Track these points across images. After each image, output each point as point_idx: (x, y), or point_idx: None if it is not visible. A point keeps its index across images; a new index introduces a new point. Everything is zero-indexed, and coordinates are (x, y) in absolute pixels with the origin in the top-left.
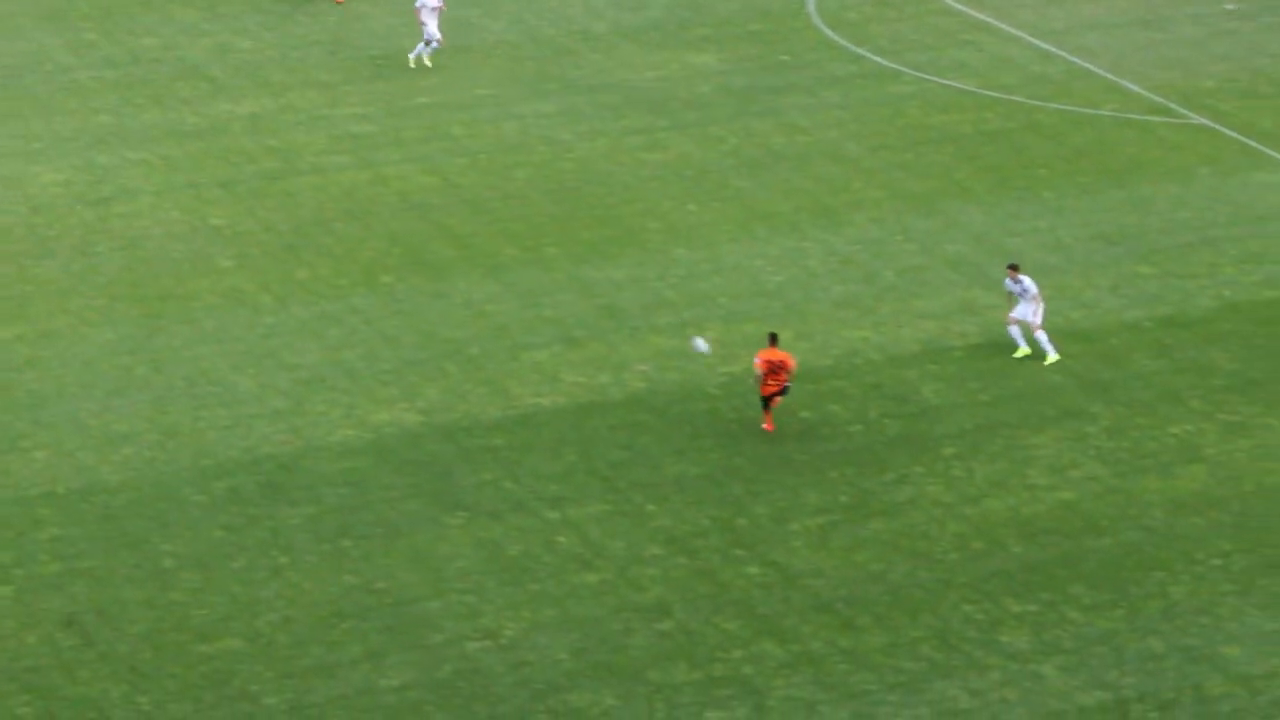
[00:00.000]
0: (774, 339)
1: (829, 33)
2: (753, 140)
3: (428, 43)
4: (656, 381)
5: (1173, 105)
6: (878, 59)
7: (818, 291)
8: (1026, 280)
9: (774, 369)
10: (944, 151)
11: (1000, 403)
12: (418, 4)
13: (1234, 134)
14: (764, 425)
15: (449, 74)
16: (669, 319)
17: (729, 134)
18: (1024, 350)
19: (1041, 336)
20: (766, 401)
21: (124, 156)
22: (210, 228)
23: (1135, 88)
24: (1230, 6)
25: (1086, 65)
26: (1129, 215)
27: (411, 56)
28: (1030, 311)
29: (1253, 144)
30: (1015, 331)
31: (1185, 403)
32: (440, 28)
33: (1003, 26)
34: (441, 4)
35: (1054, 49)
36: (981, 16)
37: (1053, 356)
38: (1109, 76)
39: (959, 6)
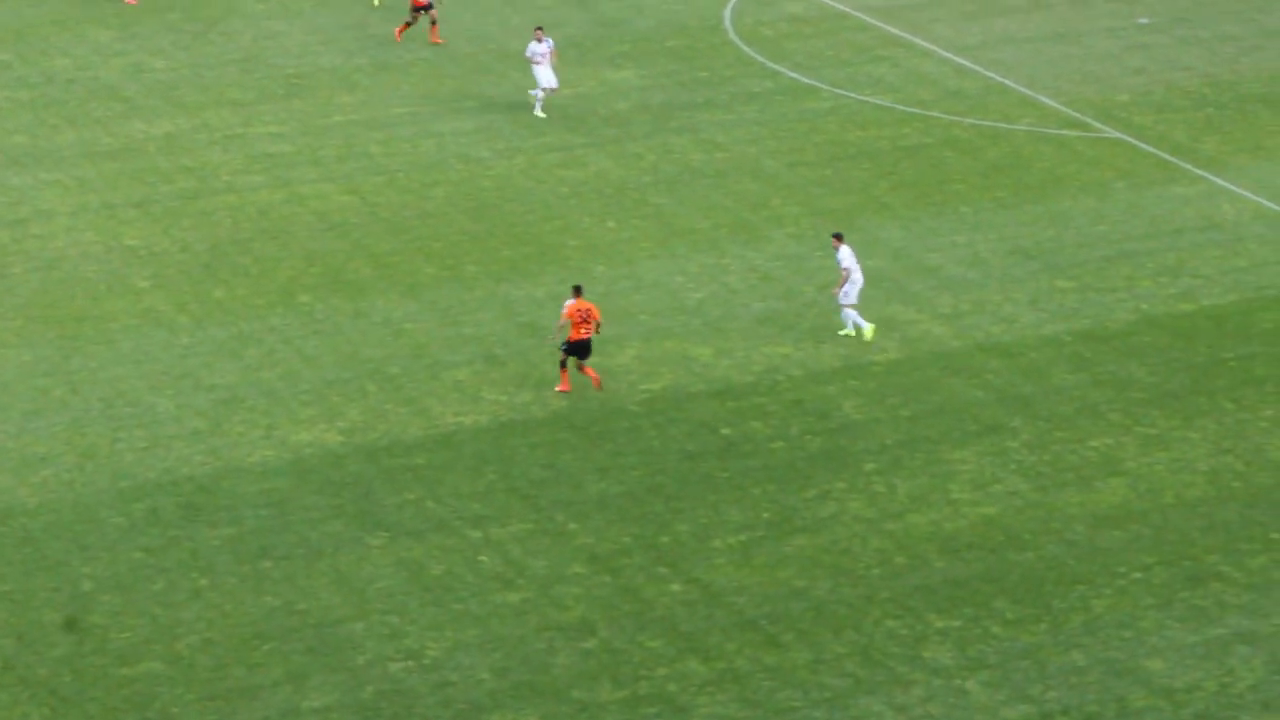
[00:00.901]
0: (578, 290)
1: (746, 49)
2: (671, 157)
3: (546, 90)
4: (576, 399)
5: (1088, 119)
6: (795, 75)
7: (738, 308)
8: (842, 250)
9: (584, 318)
10: (862, 167)
11: (921, 418)
12: (528, 54)
13: (1149, 148)
14: (559, 387)
15: (365, 92)
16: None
17: (647, 151)
18: (849, 331)
19: (847, 314)
20: (576, 352)
21: (38, 177)
22: (126, 248)
23: (1051, 102)
24: (1143, 20)
25: (1002, 80)
26: (1046, 229)
27: (537, 109)
28: (857, 290)
29: (1168, 157)
30: (852, 315)
31: (1105, 416)
32: (555, 70)
33: (919, 42)
34: (551, 50)
35: (970, 64)
36: (897, 32)
37: (849, 330)
38: (1025, 91)
39: (875, 22)
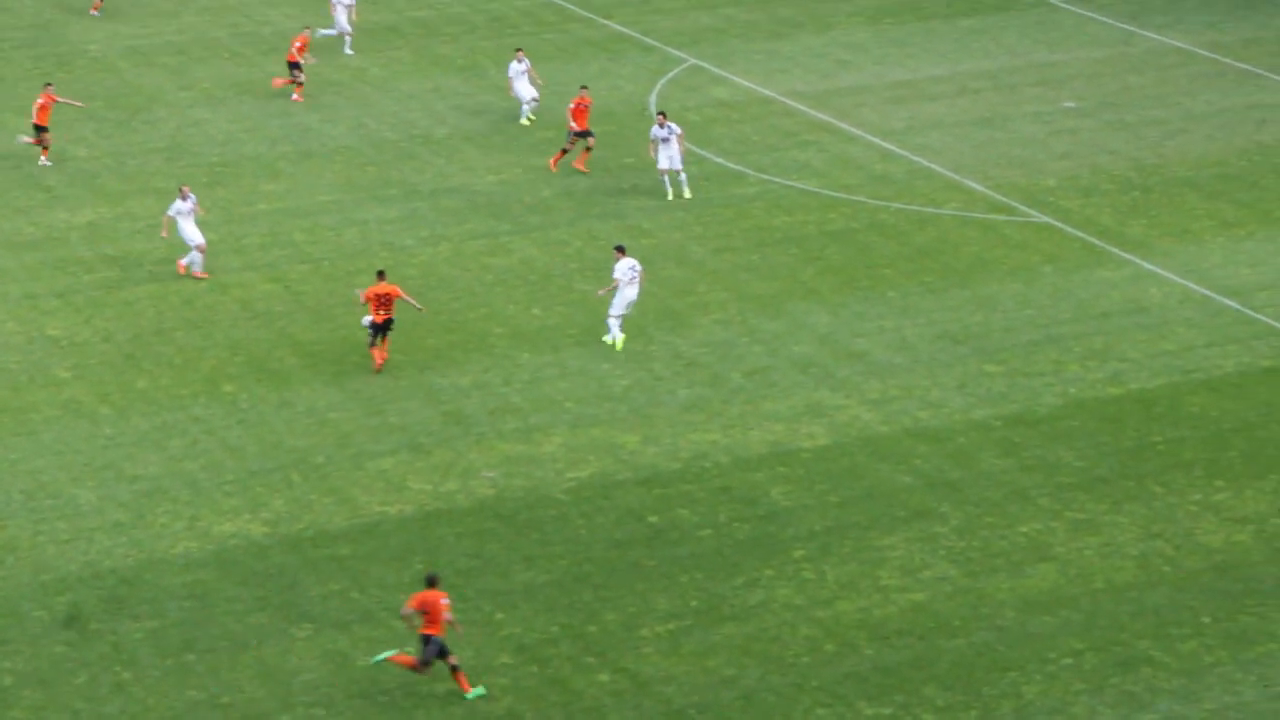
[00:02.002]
0: (381, 275)
1: None
2: (596, 243)
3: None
4: (503, 488)
5: (1015, 203)
6: (721, 160)
7: (664, 395)
8: (620, 263)
9: (382, 302)
10: (789, 252)
11: (850, 504)
12: (510, 74)
13: (1076, 231)
14: (375, 367)
15: (289, 180)
16: (515, 425)
17: (572, 237)
18: (610, 340)
19: (610, 322)
20: (378, 332)
21: None
22: (47, 338)
23: (977, 186)
24: (1069, 104)
25: (929, 165)
26: (974, 314)
27: (523, 120)
28: (624, 302)
29: (1095, 241)
30: (614, 324)
31: (1034, 501)
32: (532, 82)
33: (845, 127)
34: (528, 69)
35: (896, 149)
36: (824, 117)
37: (610, 338)
38: (951, 176)
39: (801, 107)
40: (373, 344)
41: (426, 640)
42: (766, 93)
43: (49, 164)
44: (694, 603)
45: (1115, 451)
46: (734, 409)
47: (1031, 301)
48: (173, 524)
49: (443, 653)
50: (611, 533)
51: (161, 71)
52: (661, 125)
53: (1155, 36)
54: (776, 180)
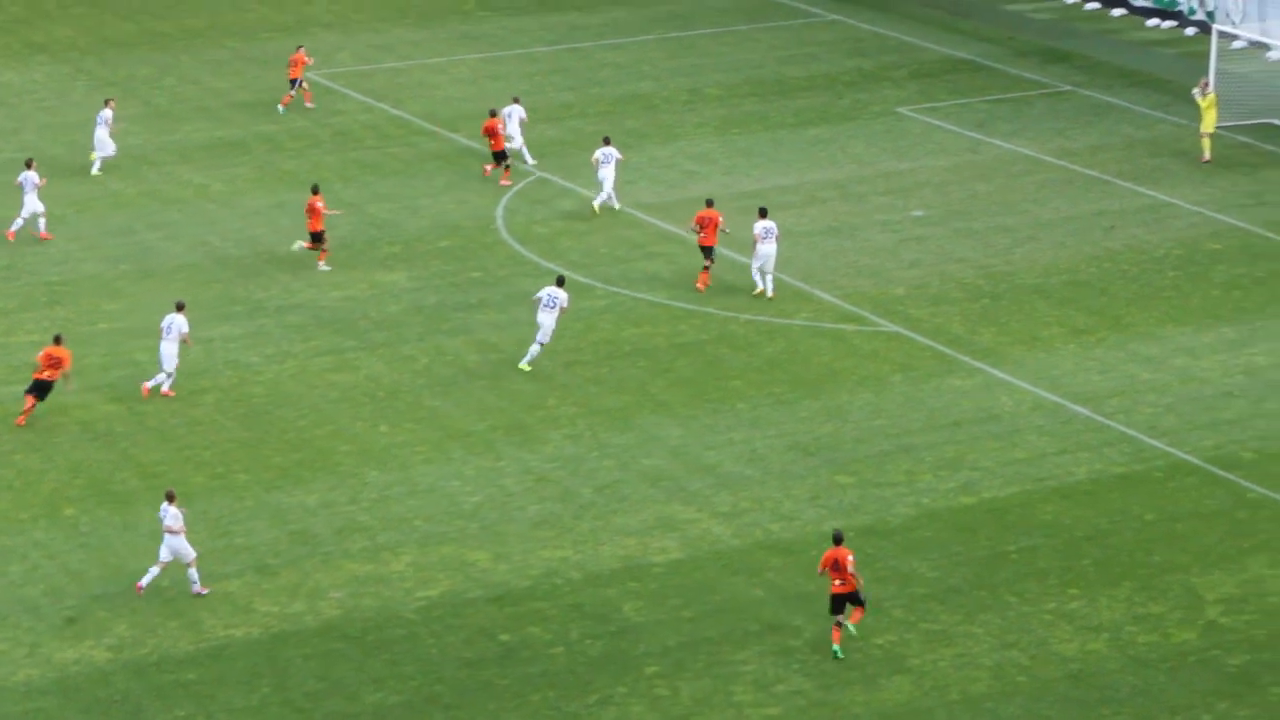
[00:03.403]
0: (58, 339)
1: (519, 248)
2: (445, 359)
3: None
4: (351, 608)
5: (864, 313)
6: (569, 273)
7: (515, 511)
8: (546, 294)
9: (52, 362)
10: (638, 365)
11: (703, 619)
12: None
13: (926, 340)
14: (18, 420)
15: (130, 299)
16: (363, 544)
17: (420, 353)
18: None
19: (535, 350)
20: (36, 390)
21: None
22: None
23: (827, 296)
24: (918, 213)
25: (778, 275)
26: (825, 425)
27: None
28: (547, 329)
29: (945, 350)
30: (537, 345)
31: (888, 613)
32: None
33: (692, 238)
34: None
35: (744, 260)
36: (671, 228)
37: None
38: (801, 285)
39: (649, 219)
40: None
41: None
42: (614, 204)
43: None
44: None
45: (969, 561)
46: (585, 524)
47: (883, 411)
48: (13, 651)
49: None
50: (462, 652)
51: None
52: (515, 102)
53: (1002, 144)
54: (625, 292)
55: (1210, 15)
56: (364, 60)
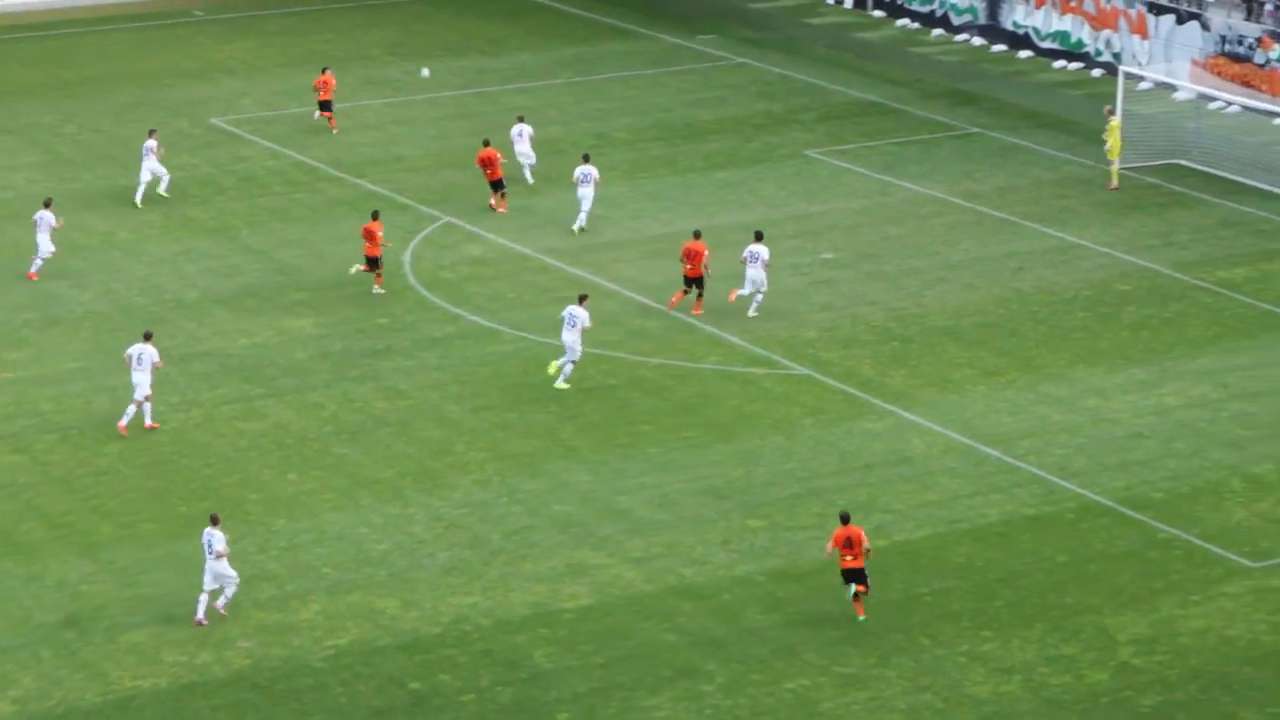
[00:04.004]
0: None
1: (426, 293)
2: (352, 406)
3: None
4: (260, 658)
5: (775, 356)
6: (476, 318)
7: (424, 558)
8: (567, 313)
9: None
10: (547, 410)
11: (614, 664)
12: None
13: (836, 383)
14: None
15: (34, 349)
16: (271, 592)
17: (328, 400)
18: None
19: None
20: None
21: None
22: None
23: (737, 340)
24: (828, 256)
25: (686, 319)
26: (736, 468)
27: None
28: (570, 346)
29: (855, 392)
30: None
31: (800, 657)
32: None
33: (601, 282)
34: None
35: (653, 303)
36: (580, 273)
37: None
38: (710, 329)
39: (557, 264)
40: None
41: None
42: (521, 249)
43: None
44: None
45: (881, 604)
46: (494, 570)
47: (794, 454)
48: None
49: None
50: (372, 700)
51: None
52: (523, 120)
53: (911, 186)
54: (532, 337)
55: (1116, 57)
56: (268, 106)
